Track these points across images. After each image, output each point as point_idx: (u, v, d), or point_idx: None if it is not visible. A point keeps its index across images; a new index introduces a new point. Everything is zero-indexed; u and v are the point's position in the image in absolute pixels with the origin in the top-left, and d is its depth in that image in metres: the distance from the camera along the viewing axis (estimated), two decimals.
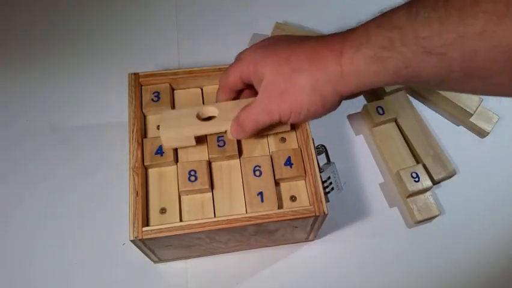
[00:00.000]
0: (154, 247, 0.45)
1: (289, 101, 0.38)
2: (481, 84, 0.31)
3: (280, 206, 0.44)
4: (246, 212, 0.43)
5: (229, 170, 0.46)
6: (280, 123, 0.42)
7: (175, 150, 0.46)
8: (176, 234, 0.41)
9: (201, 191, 0.44)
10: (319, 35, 0.40)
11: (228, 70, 0.43)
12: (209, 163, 0.46)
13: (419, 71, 0.32)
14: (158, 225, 0.41)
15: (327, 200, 0.45)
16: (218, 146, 0.46)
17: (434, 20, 0.29)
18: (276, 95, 0.39)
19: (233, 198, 0.45)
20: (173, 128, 0.44)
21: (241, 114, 0.42)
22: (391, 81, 0.34)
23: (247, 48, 0.43)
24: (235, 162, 0.46)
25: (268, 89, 0.39)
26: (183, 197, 0.45)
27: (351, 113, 0.61)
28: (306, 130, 0.46)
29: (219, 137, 0.46)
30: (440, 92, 0.59)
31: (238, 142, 0.47)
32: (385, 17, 0.33)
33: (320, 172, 0.44)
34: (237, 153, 0.46)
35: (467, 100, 0.59)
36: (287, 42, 0.40)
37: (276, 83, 0.38)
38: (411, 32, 0.30)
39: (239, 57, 0.43)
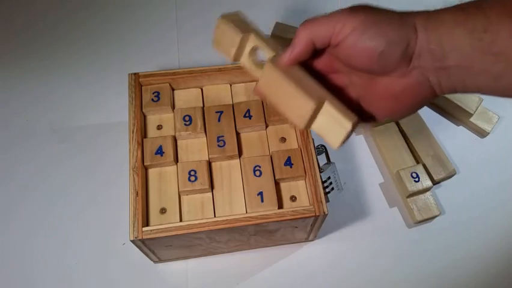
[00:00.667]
0: (154, 247, 0.45)
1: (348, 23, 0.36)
2: None
3: (280, 206, 0.44)
4: (246, 212, 0.43)
5: (229, 170, 0.46)
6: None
7: (175, 150, 0.46)
8: (176, 234, 0.41)
9: (200, 191, 0.44)
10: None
11: (317, 21, 0.38)
12: (209, 163, 0.46)
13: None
14: (158, 225, 0.41)
15: (327, 200, 0.45)
16: (218, 146, 0.46)
17: None
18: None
19: (233, 198, 0.45)
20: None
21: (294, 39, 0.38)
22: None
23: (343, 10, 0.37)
24: (235, 162, 0.46)
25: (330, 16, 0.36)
26: (183, 197, 0.45)
27: None
28: (306, 130, 0.46)
29: (219, 137, 0.46)
30: None
31: (238, 142, 0.47)
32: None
33: (320, 172, 0.44)
34: (237, 153, 0.46)
35: (467, 100, 0.59)
36: (382, 12, 0.36)
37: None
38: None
39: (331, 14, 0.37)
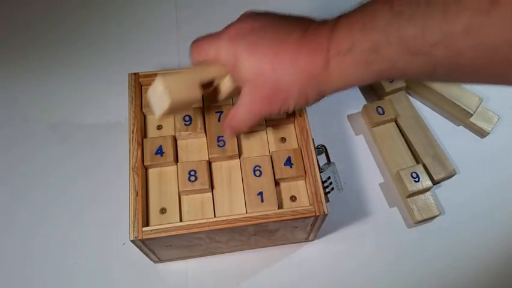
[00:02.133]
0: (154, 247, 0.45)
1: (278, 103, 0.38)
2: (469, 77, 0.30)
3: (280, 206, 0.44)
4: (246, 212, 0.43)
5: (229, 170, 0.46)
6: None
7: (175, 150, 0.46)
8: (176, 234, 0.41)
9: (200, 191, 0.44)
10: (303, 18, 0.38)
11: (203, 45, 0.40)
12: (209, 163, 0.46)
13: (405, 69, 0.31)
14: (158, 225, 0.41)
15: (327, 200, 0.45)
16: (218, 146, 0.46)
17: (418, 18, 0.28)
18: (263, 98, 0.38)
19: (233, 198, 0.45)
20: (175, 77, 0.38)
21: (230, 118, 0.41)
22: (377, 80, 0.34)
23: (229, 27, 0.39)
24: (235, 162, 0.46)
25: (253, 93, 0.38)
26: (183, 197, 0.45)
27: (351, 113, 0.61)
28: (306, 130, 0.46)
29: (219, 137, 0.46)
30: (440, 92, 0.59)
31: (238, 142, 0.47)
32: (368, 16, 0.31)
33: (320, 172, 0.44)
34: (237, 153, 0.46)
35: (467, 100, 0.59)
36: (273, 33, 0.36)
37: (261, 88, 0.37)
38: (396, 32, 0.30)
39: (219, 37, 0.39)
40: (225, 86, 0.41)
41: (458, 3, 0.26)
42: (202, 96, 0.42)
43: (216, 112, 0.48)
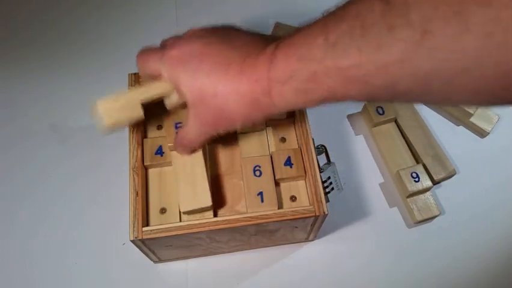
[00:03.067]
0: (154, 247, 0.45)
1: (223, 127, 0.38)
2: (412, 101, 0.30)
3: (280, 206, 0.44)
4: (246, 212, 0.43)
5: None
6: None
7: None
8: (176, 234, 0.41)
9: None
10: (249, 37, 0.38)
11: (148, 60, 0.40)
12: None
13: (346, 96, 0.31)
14: (158, 225, 0.41)
15: (327, 200, 0.45)
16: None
17: (353, 49, 0.28)
18: (208, 123, 0.38)
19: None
20: (114, 96, 0.40)
21: (180, 138, 0.42)
22: (320, 104, 0.34)
23: (172, 48, 0.38)
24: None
25: (198, 117, 0.38)
26: None
27: (351, 113, 0.61)
28: (306, 130, 0.46)
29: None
30: None
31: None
32: (305, 46, 0.31)
33: (320, 172, 0.44)
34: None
35: None
36: (212, 61, 0.36)
37: (205, 114, 0.37)
38: (332, 63, 0.29)
39: (162, 58, 0.39)
40: (172, 101, 0.41)
41: (390, 33, 0.26)
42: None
43: None
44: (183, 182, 0.42)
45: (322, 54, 0.30)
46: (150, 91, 0.40)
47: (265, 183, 0.44)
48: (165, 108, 0.48)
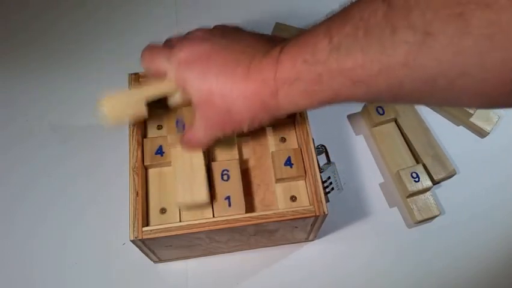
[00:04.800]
0: (154, 247, 0.45)
1: (231, 128, 0.38)
2: (417, 103, 0.30)
3: (279, 206, 0.44)
4: (246, 212, 0.43)
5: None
6: None
7: None
8: (176, 234, 0.41)
9: None
10: (257, 38, 0.39)
11: (155, 58, 0.41)
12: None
13: (350, 97, 0.32)
14: (158, 225, 0.41)
15: (327, 200, 0.45)
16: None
17: (356, 51, 0.29)
18: (215, 124, 0.39)
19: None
20: (118, 94, 0.41)
21: (187, 139, 0.42)
22: (326, 105, 0.34)
23: (180, 49, 0.39)
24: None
25: (205, 118, 0.39)
26: None
27: (351, 113, 0.61)
28: (306, 130, 0.46)
29: None
30: None
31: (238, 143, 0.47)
32: (309, 49, 0.32)
33: (320, 172, 0.44)
34: (236, 153, 0.46)
35: None
36: (220, 63, 0.37)
37: (212, 115, 0.38)
38: (336, 65, 0.30)
39: (169, 58, 0.39)
40: (175, 100, 0.42)
41: (393, 35, 0.26)
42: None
43: None
44: (181, 176, 0.42)
45: (326, 56, 0.30)
46: (155, 90, 0.41)
47: (233, 187, 0.44)
48: (165, 107, 0.48)
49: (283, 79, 0.34)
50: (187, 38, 0.41)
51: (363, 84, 0.30)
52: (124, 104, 0.40)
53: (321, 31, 0.32)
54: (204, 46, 0.38)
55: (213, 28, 0.41)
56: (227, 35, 0.40)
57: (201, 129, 0.40)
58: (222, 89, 0.36)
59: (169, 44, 0.41)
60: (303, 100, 0.34)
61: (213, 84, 0.36)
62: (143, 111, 0.41)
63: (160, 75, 0.41)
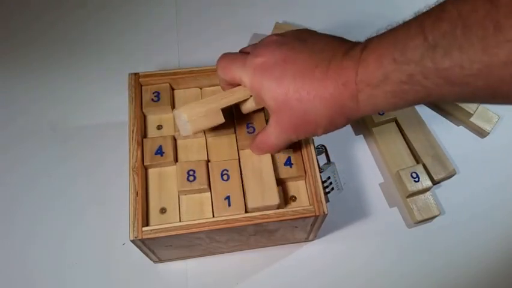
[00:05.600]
0: (154, 247, 0.45)
1: (306, 133, 0.39)
2: (508, 102, 0.29)
3: (280, 206, 0.44)
4: (246, 212, 0.43)
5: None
6: None
7: (175, 151, 0.46)
8: (176, 234, 0.41)
9: (199, 191, 0.44)
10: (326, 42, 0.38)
11: (229, 67, 0.41)
12: (208, 163, 0.46)
13: (440, 97, 0.31)
14: (158, 225, 0.41)
15: (327, 200, 0.45)
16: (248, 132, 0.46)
17: (455, 51, 0.27)
18: (290, 128, 0.38)
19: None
20: (195, 104, 0.41)
21: (259, 143, 0.42)
22: (409, 106, 0.33)
23: (255, 56, 0.39)
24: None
25: (281, 123, 0.38)
26: (182, 197, 0.45)
27: None
28: None
29: (248, 123, 0.47)
30: None
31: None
32: (399, 47, 0.30)
33: (320, 172, 0.44)
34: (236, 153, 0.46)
35: None
36: (296, 67, 0.36)
37: (289, 119, 0.38)
38: (431, 64, 0.29)
39: (244, 65, 0.39)
40: (248, 106, 0.43)
41: (498, 34, 0.25)
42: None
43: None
44: (251, 181, 0.43)
45: (420, 55, 0.29)
46: (230, 97, 0.41)
47: (233, 187, 0.44)
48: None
49: (366, 80, 0.33)
50: (261, 43, 0.40)
51: (459, 85, 0.28)
52: (203, 114, 0.41)
53: (412, 28, 0.30)
54: (279, 50, 0.38)
55: (286, 32, 0.41)
56: (301, 37, 0.39)
57: (274, 134, 0.40)
58: (299, 91, 0.35)
59: (244, 51, 0.42)
60: (387, 102, 0.33)
61: (290, 87, 0.36)
62: (221, 119, 0.41)
63: (235, 83, 0.41)
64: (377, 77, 0.32)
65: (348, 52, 0.34)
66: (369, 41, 0.33)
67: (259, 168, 0.44)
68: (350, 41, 0.37)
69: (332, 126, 0.37)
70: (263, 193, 0.43)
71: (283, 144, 0.41)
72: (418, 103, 0.33)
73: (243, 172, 0.44)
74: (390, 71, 0.31)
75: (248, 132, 0.46)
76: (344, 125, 0.37)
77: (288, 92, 0.36)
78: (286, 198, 0.45)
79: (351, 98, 0.34)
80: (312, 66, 0.36)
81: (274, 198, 0.43)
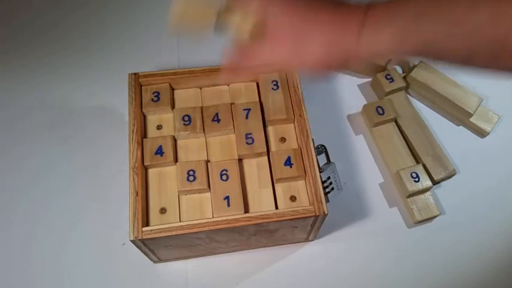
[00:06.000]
0: (154, 247, 0.45)
1: (299, 55, 0.37)
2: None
3: (279, 206, 0.44)
4: (245, 213, 0.43)
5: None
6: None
7: (175, 151, 0.46)
8: (176, 234, 0.41)
9: (199, 191, 0.44)
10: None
11: None
12: (208, 163, 0.46)
13: (441, 51, 0.31)
14: (158, 225, 0.41)
15: (327, 200, 0.45)
16: (246, 143, 0.46)
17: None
18: (286, 44, 0.37)
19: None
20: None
21: (249, 51, 0.40)
22: (406, 55, 0.34)
23: None
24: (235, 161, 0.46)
25: (277, 37, 0.37)
26: (182, 197, 0.45)
27: (351, 113, 0.61)
28: (306, 130, 0.46)
29: (247, 134, 0.46)
30: (440, 92, 0.59)
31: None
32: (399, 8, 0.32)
33: (320, 172, 0.44)
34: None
35: (467, 100, 0.59)
36: (307, 1, 0.37)
37: (287, 34, 0.37)
38: (437, 9, 0.30)
39: None
40: (245, 26, 0.39)
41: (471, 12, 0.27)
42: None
43: (244, 110, 0.47)
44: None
45: (428, 2, 0.30)
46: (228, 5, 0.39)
47: (232, 187, 0.44)
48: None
49: (374, 18, 0.33)
50: None
51: (463, 35, 0.29)
52: (194, 4, 0.39)
53: None
54: None
55: None
56: None
57: (269, 48, 0.38)
58: (305, 16, 0.35)
59: None
60: (390, 42, 0.33)
61: (297, 13, 0.36)
62: (211, 20, 0.39)
63: (243, 7, 0.39)
64: (383, 16, 0.33)
65: (355, 6, 0.35)
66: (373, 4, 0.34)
67: (256, 175, 0.44)
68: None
69: (326, 58, 0.36)
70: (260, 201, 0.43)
71: (272, 65, 0.39)
72: (417, 52, 0.33)
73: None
74: (397, 12, 0.32)
75: (247, 143, 0.46)
76: (335, 65, 0.37)
77: (294, 15, 0.36)
78: (286, 198, 0.45)
79: (355, 34, 0.34)
80: (322, 3, 0.36)
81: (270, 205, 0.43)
